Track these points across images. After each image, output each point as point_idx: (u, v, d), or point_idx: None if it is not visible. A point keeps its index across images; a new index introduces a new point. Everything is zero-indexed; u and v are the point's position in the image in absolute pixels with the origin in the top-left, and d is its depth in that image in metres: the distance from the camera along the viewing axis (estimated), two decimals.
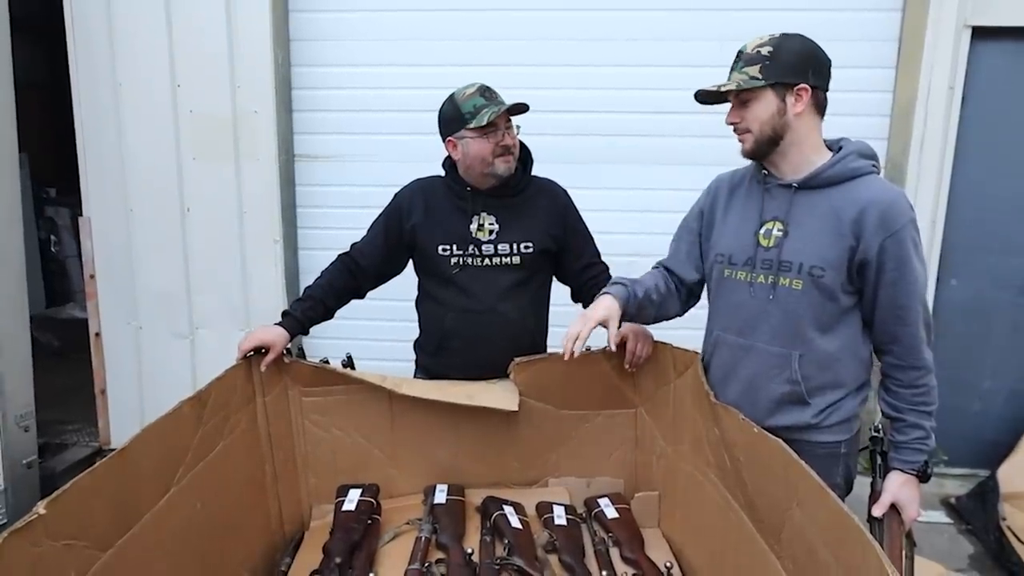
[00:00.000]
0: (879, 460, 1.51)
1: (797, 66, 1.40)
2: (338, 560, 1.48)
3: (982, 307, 3.17)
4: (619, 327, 1.55)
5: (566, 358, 1.51)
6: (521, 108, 1.77)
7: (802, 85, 1.40)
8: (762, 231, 1.50)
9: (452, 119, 1.79)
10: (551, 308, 1.99)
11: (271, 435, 1.75)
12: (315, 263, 2.72)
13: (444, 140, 1.84)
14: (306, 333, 1.84)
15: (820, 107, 1.45)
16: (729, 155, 1.59)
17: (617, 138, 3.12)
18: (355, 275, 1.90)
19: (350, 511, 1.64)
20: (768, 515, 1.31)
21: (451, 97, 1.81)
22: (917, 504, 1.45)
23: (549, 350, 1.91)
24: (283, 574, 1.59)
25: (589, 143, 3.13)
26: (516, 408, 1.74)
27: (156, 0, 3.01)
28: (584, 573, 1.54)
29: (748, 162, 1.57)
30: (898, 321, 1.41)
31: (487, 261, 1.84)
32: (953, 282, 3.16)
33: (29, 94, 3.39)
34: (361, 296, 1.96)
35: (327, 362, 1.81)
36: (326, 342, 2.66)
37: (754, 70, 1.41)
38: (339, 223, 3.13)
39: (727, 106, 1.50)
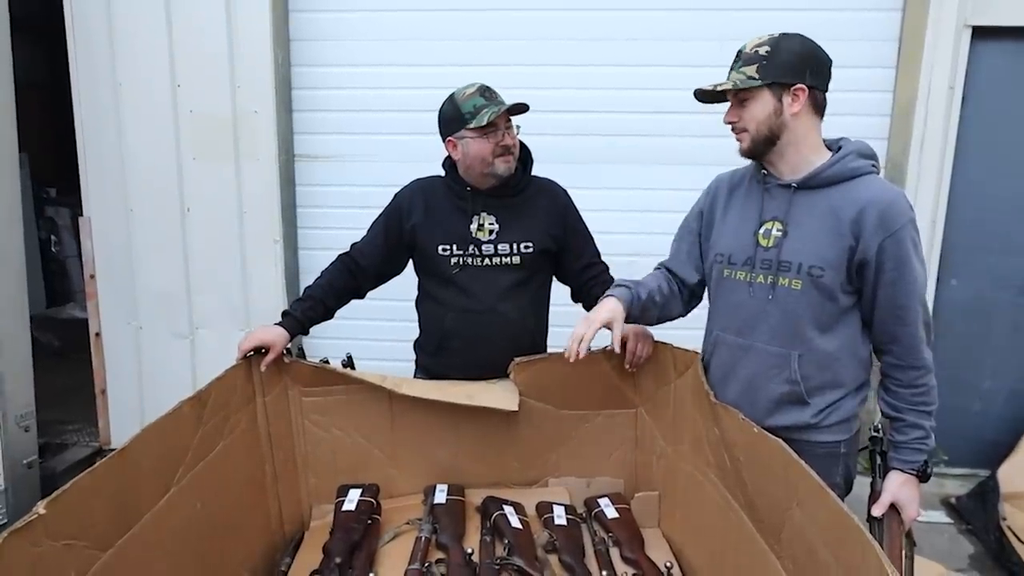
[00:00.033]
0: (879, 460, 1.51)
1: (794, 66, 1.40)
2: (338, 560, 1.48)
3: (982, 307, 3.17)
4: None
5: (571, 360, 1.51)
6: (521, 108, 1.77)
7: (799, 85, 1.40)
8: (761, 231, 1.50)
9: (452, 119, 1.79)
10: (551, 308, 1.98)
11: (271, 435, 1.75)
12: (315, 263, 2.72)
13: (444, 140, 1.84)
14: (306, 333, 1.84)
15: (819, 107, 1.45)
16: (729, 155, 1.59)
17: (617, 138, 3.12)
18: (355, 275, 1.90)
19: (350, 511, 1.64)
20: (768, 515, 1.31)
21: (451, 97, 1.81)
22: (917, 504, 1.45)
23: (549, 350, 1.91)
24: (283, 574, 1.59)
25: (589, 143, 3.13)
26: (516, 408, 1.74)
27: (156, 0, 3.01)
28: (584, 573, 1.54)
29: (748, 162, 1.57)
30: (897, 321, 1.41)
31: (487, 261, 1.84)
32: (953, 282, 3.16)
33: (29, 94, 3.38)
34: (361, 296, 1.96)
35: (327, 362, 1.81)
36: (326, 342, 2.66)
37: (751, 70, 1.41)
38: (339, 223, 3.13)
39: (727, 106, 1.51)
